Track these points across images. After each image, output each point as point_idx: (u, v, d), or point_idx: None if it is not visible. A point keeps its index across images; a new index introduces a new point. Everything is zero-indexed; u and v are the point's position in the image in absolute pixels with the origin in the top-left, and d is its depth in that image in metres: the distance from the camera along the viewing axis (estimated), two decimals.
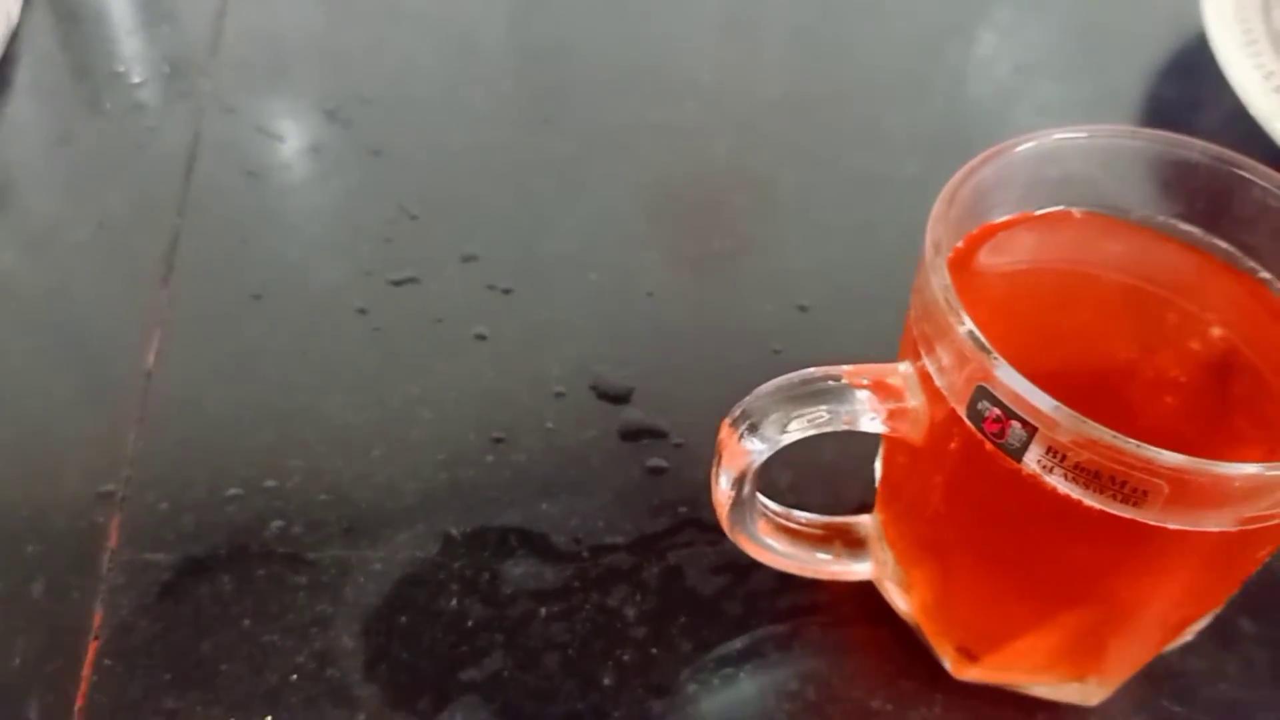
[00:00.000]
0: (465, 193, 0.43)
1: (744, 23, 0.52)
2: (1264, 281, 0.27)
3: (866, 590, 0.32)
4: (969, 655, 0.29)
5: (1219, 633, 0.32)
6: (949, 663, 0.30)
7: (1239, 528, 0.23)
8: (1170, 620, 0.28)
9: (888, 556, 0.30)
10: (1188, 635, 0.30)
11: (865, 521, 0.31)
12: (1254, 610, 0.32)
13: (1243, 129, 0.42)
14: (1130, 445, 0.21)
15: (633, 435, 0.36)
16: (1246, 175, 0.27)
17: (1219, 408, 0.26)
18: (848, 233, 0.42)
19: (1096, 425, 0.22)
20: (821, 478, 0.34)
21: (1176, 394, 0.26)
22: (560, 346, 0.38)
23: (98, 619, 0.31)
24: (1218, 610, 0.30)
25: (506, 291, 0.39)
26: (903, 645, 0.31)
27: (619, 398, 0.37)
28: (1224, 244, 0.28)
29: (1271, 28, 0.47)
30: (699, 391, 0.36)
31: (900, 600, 0.30)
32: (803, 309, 0.39)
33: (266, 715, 0.29)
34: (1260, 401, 0.26)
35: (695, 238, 0.42)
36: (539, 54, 0.50)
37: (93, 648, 0.30)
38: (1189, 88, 0.49)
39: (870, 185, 0.44)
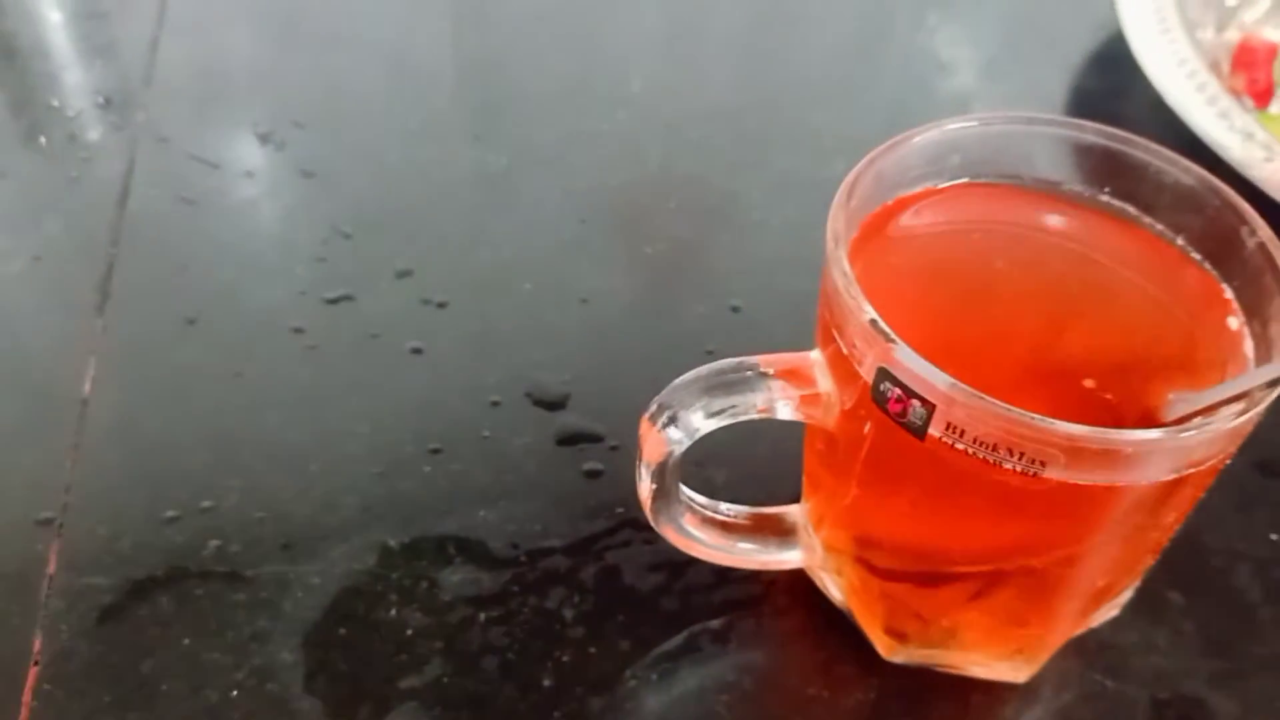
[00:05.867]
0: (399, 210, 0.43)
1: (674, 34, 0.53)
2: (1165, 238, 0.28)
3: (801, 581, 0.32)
4: (897, 636, 0.30)
5: (1149, 607, 0.32)
6: (879, 645, 0.30)
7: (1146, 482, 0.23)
8: (1093, 588, 0.28)
9: (816, 543, 0.30)
10: (1113, 610, 0.31)
11: (794, 511, 0.31)
12: (1182, 584, 0.33)
13: (1161, 119, 0.43)
14: (1023, 417, 0.22)
15: (569, 440, 0.36)
16: (1136, 152, 0.28)
17: (1121, 366, 0.26)
18: (777, 233, 0.43)
19: (989, 399, 0.22)
20: (755, 475, 0.34)
21: (1084, 360, 0.26)
22: (496, 356, 0.38)
23: (37, 644, 0.31)
24: (1136, 584, 0.30)
25: (441, 305, 0.40)
26: (838, 632, 0.32)
27: (555, 404, 0.37)
28: (1119, 203, 0.29)
29: (1185, 17, 0.48)
30: (634, 395, 0.36)
31: (832, 587, 0.31)
32: (735, 309, 0.40)
33: None
34: (1170, 356, 0.26)
35: (628, 244, 0.43)
36: (469, 73, 0.50)
37: (32, 673, 0.30)
38: (1109, 80, 0.50)
39: (798, 186, 0.44)
